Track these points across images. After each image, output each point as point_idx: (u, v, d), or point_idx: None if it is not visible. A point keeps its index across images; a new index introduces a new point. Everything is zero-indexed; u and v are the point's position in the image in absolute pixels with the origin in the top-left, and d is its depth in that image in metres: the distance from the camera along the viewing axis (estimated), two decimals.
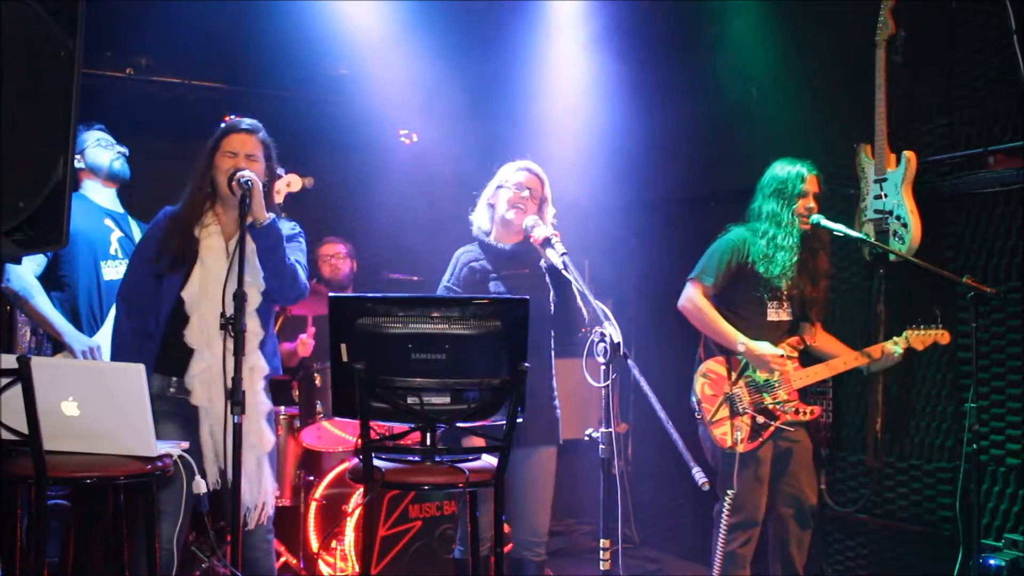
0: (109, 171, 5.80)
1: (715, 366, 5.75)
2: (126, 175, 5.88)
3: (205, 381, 4.54)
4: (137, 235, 5.78)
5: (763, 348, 5.61)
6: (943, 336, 5.70)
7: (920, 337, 5.70)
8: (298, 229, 4.97)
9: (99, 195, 5.81)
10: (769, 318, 5.76)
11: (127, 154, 5.89)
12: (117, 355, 4.77)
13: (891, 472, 6.49)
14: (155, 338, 4.65)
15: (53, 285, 5.50)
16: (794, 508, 5.72)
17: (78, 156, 5.69)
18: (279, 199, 5.07)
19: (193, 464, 4.19)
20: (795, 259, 5.67)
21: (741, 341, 5.61)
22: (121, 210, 5.92)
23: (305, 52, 7.79)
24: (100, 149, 5.79)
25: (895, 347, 5.70)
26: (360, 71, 8.18)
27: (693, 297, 5.74)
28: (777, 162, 5.84)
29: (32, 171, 2.90)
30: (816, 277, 5.81)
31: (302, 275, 4.75)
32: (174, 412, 4.57)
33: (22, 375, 3.56)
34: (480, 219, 5.50)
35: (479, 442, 4.98)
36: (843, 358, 5.76)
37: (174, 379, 4.62)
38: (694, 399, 5.74)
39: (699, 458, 4.11)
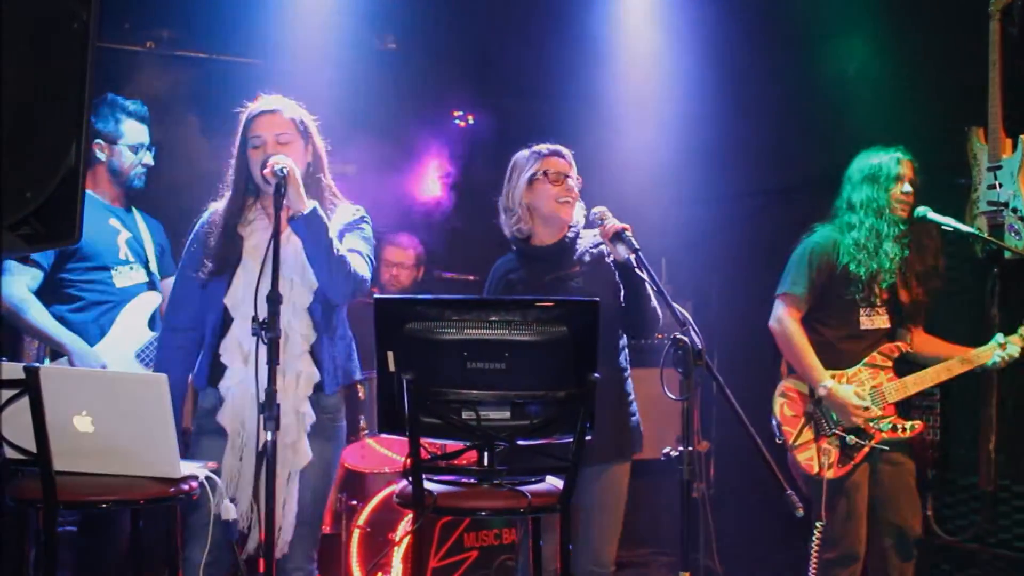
0: (127, 184, 5.67)
1: (795, 384, 5.72)
2: (139, 190, 5.74)
3: (238, 395, 4.50)
4: (144, 231, 5.71)
5: (847, 396, 5.50)
6: None
7: None
8: (361, 213, 4.86)
9: (104, 190, 5.67)
10: (863, 326, 5.68)
11: (151, 165, 5.74)
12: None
13: (1007, 496, 6.45)
14: (207, 351, 4.66)
15: (57, 298, 5.37)
16: (895, 539, 5.63)
17: (104, 144, 5.56)
18: None
19: (222, 486, 4.15)
20: (905, 253, 5.57)
21: (824, 384, 5.52)
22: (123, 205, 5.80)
23: (347, 23, 7.76)
24: (130, 154, 5.64)
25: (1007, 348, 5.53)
26: (410, 45, 8.15)
27: (783, 318, 5.67)
28: (863, 152, 5.80)
29: (41, 157, 2.84)
30: (925, 278, 5.67)
31: (359, 267, 4.60)
32: (220, 428, 4.56)
33: (29, 386, 3.55)
34: (510, 224, 5.32)
35: None
36: (948, 364, 5.61)
37: None
38: (774, 422, 5.70)
39: (793, 482, 4.01)
